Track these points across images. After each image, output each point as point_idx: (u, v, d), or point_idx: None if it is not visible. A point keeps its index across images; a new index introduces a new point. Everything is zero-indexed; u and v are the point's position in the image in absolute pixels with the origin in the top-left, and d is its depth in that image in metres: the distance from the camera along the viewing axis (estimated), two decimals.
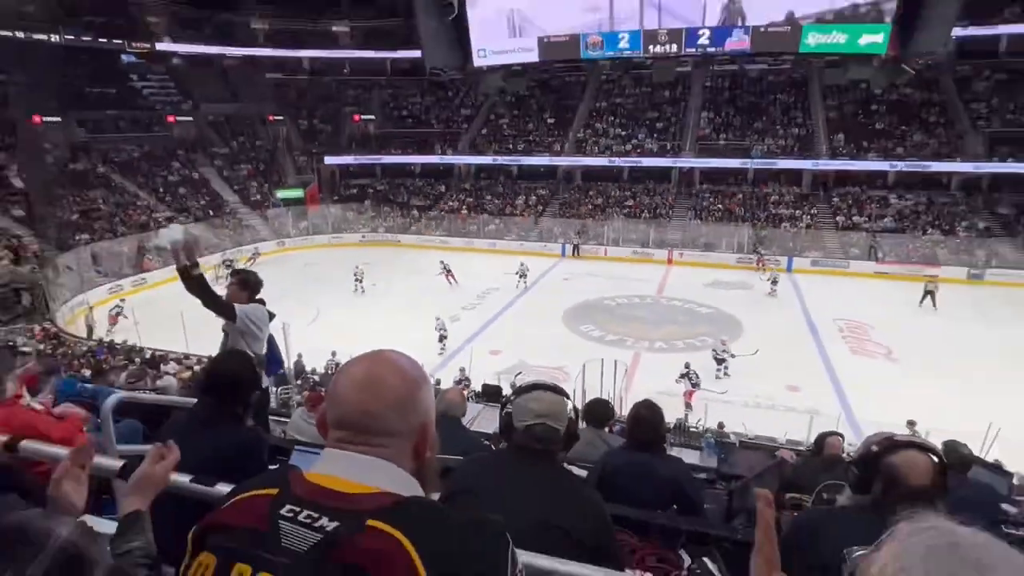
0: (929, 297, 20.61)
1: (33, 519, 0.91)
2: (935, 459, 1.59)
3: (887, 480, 1.59)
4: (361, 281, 23.01)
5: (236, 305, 4.15)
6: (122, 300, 20.42)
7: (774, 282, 22.19)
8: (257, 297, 4.39)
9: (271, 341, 4.60)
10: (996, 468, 4.54)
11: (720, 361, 15.72)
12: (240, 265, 23.07)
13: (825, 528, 1.72)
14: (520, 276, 23.28)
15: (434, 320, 17.28)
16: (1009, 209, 26.62)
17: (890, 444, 1.64)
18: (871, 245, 22.51)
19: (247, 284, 4.34)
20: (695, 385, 14.71)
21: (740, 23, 9.91)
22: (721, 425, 11.43)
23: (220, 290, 4.34)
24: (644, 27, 10.82)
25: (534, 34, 11.77)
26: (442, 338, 16.98)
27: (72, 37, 30.47)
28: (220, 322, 4.30)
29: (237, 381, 2.36)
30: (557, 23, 10.81)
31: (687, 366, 14.59)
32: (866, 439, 1.81)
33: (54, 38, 29.22)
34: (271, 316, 4.51)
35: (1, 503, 0.94)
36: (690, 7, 10.14)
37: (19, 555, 0.84)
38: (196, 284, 3.93)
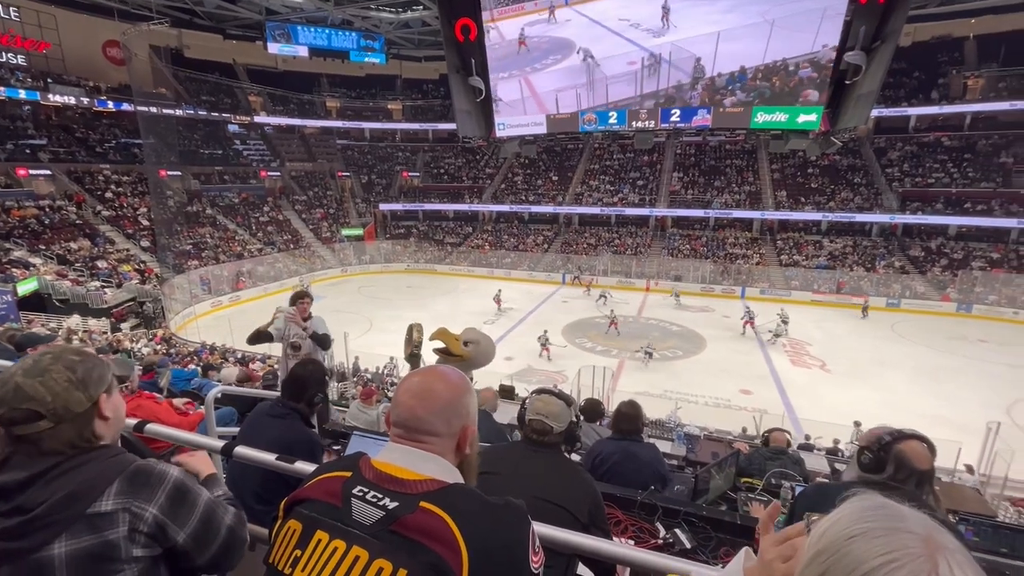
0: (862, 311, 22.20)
1: (154, 464, 1.02)
2: (929, 448, 1.58)
3: (897, 463, 1.57)
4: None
5: (317, 326, 4.28)
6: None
7: (784, 321, 18.97)
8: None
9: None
10: None
11: (784, 322, 18.83)
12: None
13: (831, 496, 1.66)
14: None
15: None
16: (919, 251, 26.27)
17: (899, 435, 1.63)
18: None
19: (312, 302, 4.42)
20: (752, 319, 19.34)
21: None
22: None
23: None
24: (629, 109, 10.96)
25: (541, 112, 12.04)
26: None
27: (192, 111, 31.43)
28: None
29: (304, 384, 2.32)
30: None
31: (748, 307, 19.78)
32: (874, 429, 1.75)
33: (179, 112, 30.11)
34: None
35: (130, 456, 1.03)
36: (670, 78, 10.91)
37: (148, 485, 0.97)
38: (316, 339, 4.27)
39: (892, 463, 1.57)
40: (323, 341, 4.28)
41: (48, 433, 0.93)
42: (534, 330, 20.12)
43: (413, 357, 3.24)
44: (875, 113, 26.54)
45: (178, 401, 3.50)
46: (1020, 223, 24.13)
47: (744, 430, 10.60)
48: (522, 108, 11.98)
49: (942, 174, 27.72)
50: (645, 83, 11.17)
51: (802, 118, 9.91)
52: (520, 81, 11.62)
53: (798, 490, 2.86)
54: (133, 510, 0.93)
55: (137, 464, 0.99)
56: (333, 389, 11.71)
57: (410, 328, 3.30)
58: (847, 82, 8.97)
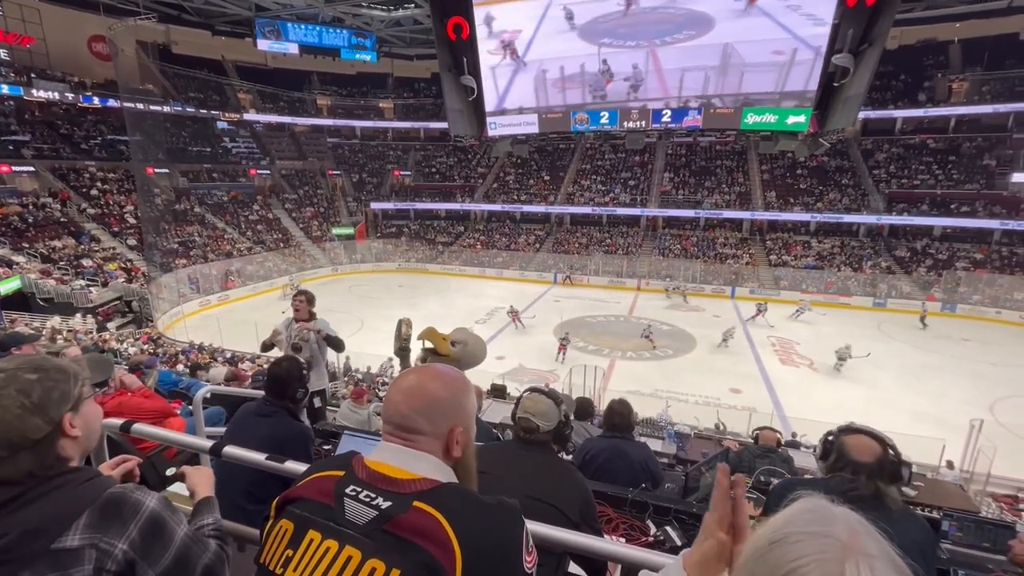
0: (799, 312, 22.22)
1: (129, 492, 0.93)
2: (883, 446, 1.65)
3: (838, 453, 1.67)
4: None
5: (320, 327, 4.24)
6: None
7: (799, 312, 22.07)
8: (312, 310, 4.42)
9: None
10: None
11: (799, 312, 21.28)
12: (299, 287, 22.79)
13: (795, 489, 1.72)
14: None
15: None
16: (904, 252, 26.66)
17: (845, 428, 1.74)
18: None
19: (312, 301, 4.36)
20: (761, 310, 21.05)
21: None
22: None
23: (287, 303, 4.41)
24: (620, 109, 10.97)
25: (531, 111, 11.86)
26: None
27: (180, 108, 30.99)
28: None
29: (284, 382, 2.32)
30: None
31: (760, 305, 21.38)
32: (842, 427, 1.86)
33: (166, 108, 29.71)
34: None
35: (106, 481, 0.94)
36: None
37: (120, 518, 0.89)
38: (330, 342, 4.35)
39: (835, 452, 1.70)
40: (336, 344, 4.25)
41: (3, 463, 0.86)
42: (524, 330, 20.15)
43: (402, 351, 3.24)
44: (862, 115, 26.85)
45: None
46: (1003, 224, 24.58)
47: (716, 426, 10.68)
48: (643, 82, 10.83)
49: (927, 176, 28.15)
50: (790, 79, 9.48)
51: (791, 120, 10.00)
52: (648, 53, 10.55)
53: None
54: (101, 546, 0.85)
55: (110, 493, 0.91)
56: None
57: (399, 323, 3.30)
58: (835, 84, 9.08)
